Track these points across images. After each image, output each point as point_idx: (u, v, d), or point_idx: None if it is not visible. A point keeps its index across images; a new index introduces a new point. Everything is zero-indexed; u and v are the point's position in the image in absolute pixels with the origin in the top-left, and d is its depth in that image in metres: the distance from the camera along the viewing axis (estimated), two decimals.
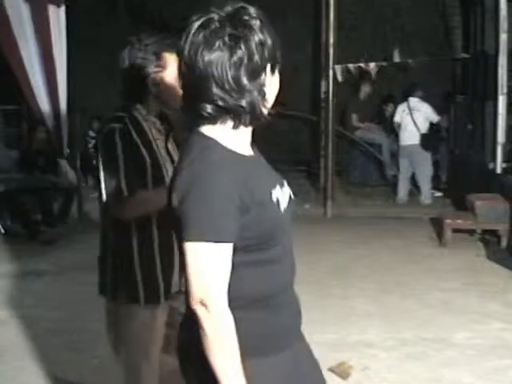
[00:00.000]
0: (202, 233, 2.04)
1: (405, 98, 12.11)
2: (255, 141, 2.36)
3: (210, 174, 2.08)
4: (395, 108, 12.54)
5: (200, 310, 2.06)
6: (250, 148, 2.31)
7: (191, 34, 2.11)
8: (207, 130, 2.19)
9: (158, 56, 3.25)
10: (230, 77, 2.09)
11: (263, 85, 2.16)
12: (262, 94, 2.16)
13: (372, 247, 9.07)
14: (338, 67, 11.85)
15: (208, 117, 2.15)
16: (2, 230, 9.99)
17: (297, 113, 14.29)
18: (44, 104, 10.52)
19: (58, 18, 10.31)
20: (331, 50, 11.62)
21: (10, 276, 7.86)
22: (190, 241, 2.05)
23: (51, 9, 10.22)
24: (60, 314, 6.55)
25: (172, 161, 3.34)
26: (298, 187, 13.03)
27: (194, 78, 2.11)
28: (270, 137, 14.39)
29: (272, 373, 2.25)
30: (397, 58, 12.44)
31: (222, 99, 2.10)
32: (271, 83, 2.21)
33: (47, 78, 10.38)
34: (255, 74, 2.12)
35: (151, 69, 3.26)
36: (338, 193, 12.09)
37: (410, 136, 11.89)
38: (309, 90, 14.32)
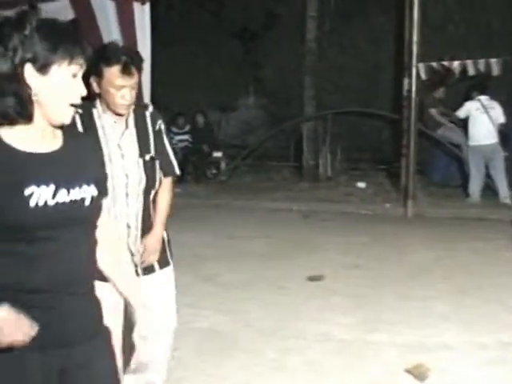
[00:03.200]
0: None
1: (471, 96, 11.92)
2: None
3: None
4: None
5: None
6: (45, 144, 2.36)
7: None
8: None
9: (95, 66, 3.60)
10: None
11: (18, 87, 2.22)
12: (19, 96, 2.23)
13: (452, 248, 8.94)
14: (421, 65, 11.71)
15: None
16: None
17: (379, 111, 14.20)
18: None
19: (142, 15, 10.46)
20: (415, 48, 11.49)
21: None
22: None
23: (136, 6, 10.38)
24: None
25: (122, 155, 3.73)
26: (379, 186, 12.95)
27: None
28: (351, 135, 14.37)
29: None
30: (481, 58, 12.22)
31: None
32: (46, 84, 2.26)
33: None
34: (4, 77, 2.22)
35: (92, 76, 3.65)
36: (419, 192, 11.96)
37: (488, 135, 11.68)
38: (391, 88, 14.21)
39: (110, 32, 10.42)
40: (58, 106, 2.30)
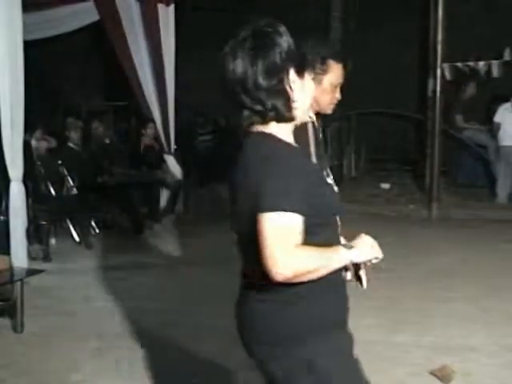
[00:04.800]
0: (279, 204, 2.26)
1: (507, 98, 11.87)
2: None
3: (283, 160, 2.34)
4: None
5: (273, 270, 2.24)
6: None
7: (227, 48, 2.46)
8: (262, 127, 2.45)
9: (324, 61, 3.43)
10: (252, 82, 2.38)
11: (284, 88, 2.41)
12: (286, 96, 2.41)
13: (477, 250, 8.88)
14: (445, 66, 11.64)
15: (249, 116, 2.44)
16: (110, 224, 10.26)
17: (403, 112, 14.13)
18: (152, 101, 10.76)
19: (166, 16, 10.50)
20: (439, 48, 11.44)
21: (116, 268, 8.06)
22: (269, 211, 2.26)
23: (160, 7, 10.43)
24: (164, 307, 6.68)
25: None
26: (403, 187, 12.89)
27: (228, 85, 2.44)
28: (376, 136, 14.31)
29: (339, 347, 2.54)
30: (507, 57, 12.11)
31: (250, 102, 2.41)
32: (301, 87, 2.46)
33: (155, 75, 10.61)
34: (275, 79, 2.39)
35: (315, 71, 3.38)
36: (444, 194, 11.89)
37: None
38: (416, 88, 14.14)
39: (135, 33, 10.49)
40: (306, 106, 2.54)
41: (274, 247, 2.24)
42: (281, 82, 2.40)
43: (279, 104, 2.41)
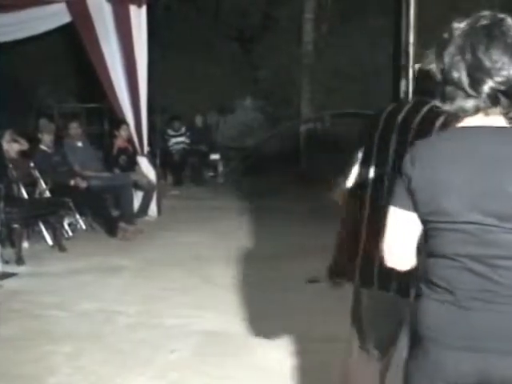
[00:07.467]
0: None
1: None
2: None
3: None
4: None
5: None
6: None
7: (472, 33, 2.37)
8: (485, 120, 2.29)
9: None
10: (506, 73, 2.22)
11: None
12: None
13: None
14: (418, 66, 11.69)
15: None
16: (84, 226, 10.19)
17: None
18: (125, 102, 10.73)
19: (139, 17, 10.47)
20: (411, 49, 11.49)
21: (90, 271, 8.01)
22: None
23: (132, 9, 10.39)
24: (138, 309, 6.65)
25: None
26: None
27: (472, 70, 2.27)
28: (348, 137, 14.35)
29: None
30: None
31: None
32: None
33: (128, 76, 10.58)
34: None
35: None
36: None
37: None
38: (390, 89, 14.22)
39: (107, 34, 10.45)
40: None
41: None
42: None
43: None
